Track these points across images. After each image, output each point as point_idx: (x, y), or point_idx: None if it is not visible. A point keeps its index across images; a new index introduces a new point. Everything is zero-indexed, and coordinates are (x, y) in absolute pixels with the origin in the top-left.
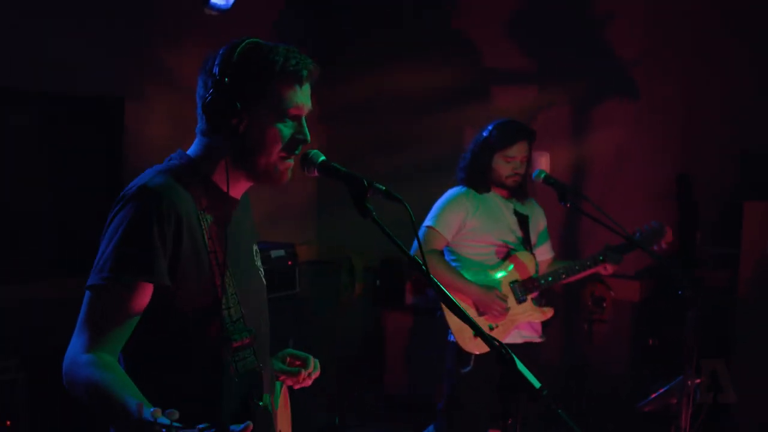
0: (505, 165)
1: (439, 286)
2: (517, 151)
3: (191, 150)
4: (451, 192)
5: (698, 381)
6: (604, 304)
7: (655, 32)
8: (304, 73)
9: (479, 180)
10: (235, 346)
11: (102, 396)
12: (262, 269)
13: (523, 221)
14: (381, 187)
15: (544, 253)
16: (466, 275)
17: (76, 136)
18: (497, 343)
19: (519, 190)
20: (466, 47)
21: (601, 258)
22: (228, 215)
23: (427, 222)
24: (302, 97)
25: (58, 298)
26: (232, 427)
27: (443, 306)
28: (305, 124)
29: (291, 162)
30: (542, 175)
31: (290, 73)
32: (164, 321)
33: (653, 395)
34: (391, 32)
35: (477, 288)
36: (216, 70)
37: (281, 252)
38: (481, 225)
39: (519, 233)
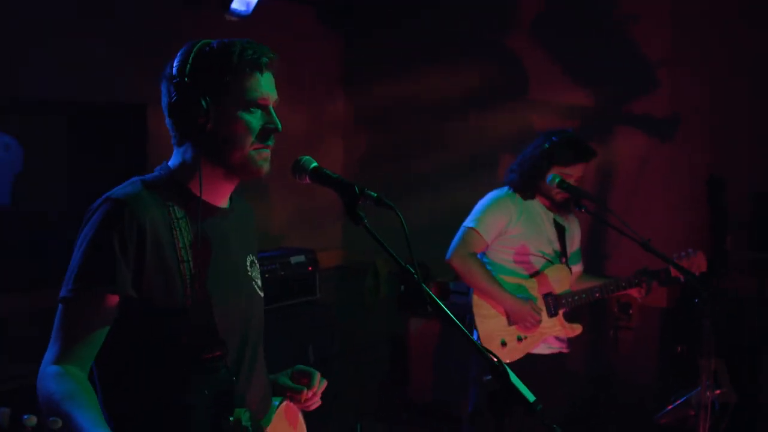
0: None
1: (431, 296)
2: (576, 170)
3: (171, 161)
4: (495, 194)
5: (717, 392)
6: (631, 311)
7: (681, 32)
8: (264, 60)
9: (528, 186)
10: (205, 357)
11: (57, 413)
12: (258, 280)
13: (561, 233)
14: (372, 194)
15: (577, 267)
16: (502, 283)
17: (99, 144)
18: (492, 356)
19: (563, 206)
20: (490, 50)
21: (637, 282)
22: (206, 222)
23: (469, 222)
24: (266, 86)
25: None
26: None
27: (474, 311)
28: (274, 113)
29: (267, 152)
30: (557, 180)
31: (249, 63)
32: (133, 331)
33: (670, 407)
34: (415, 36)
35: (513, 298)
36: (175, 71)
37: (301, 257)
38: (522, 233)
39: (556, 245)
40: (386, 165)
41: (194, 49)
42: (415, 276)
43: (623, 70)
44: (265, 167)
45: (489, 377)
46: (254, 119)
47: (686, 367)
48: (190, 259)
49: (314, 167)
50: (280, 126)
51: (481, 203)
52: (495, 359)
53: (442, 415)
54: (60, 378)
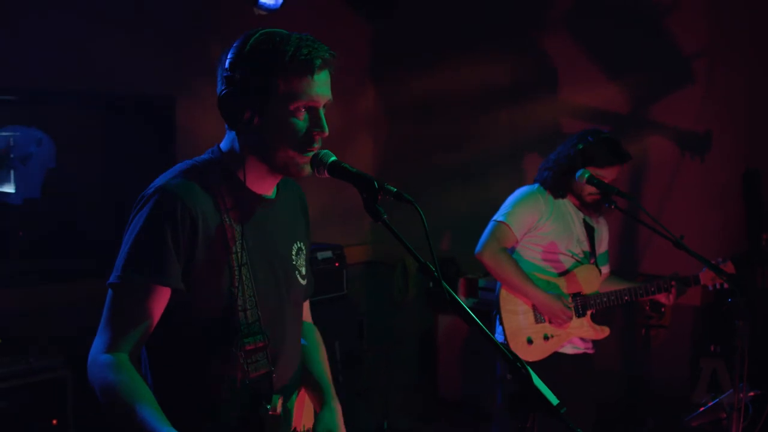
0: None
1: (451, 292)
2: (610, 173)
3: (222, 143)
4: (526, 189)
5: (751, 394)
6: (663, 309)
7: (717, 23)
8: (317, 62)
9: (560, 185)
10: (247, 349)
11: (118, 403)
12: (302, 269)
13: (590, 234)
14: (392, 188)
15: (604, 268)
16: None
17: (128, 136)
18: (513, 358)
19: (593, 206)
20: (523, 44)
21: (666, 287)
22: (253, 212)
23: (499, 217)
24: (317, 88)
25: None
26: None
27: (501, 306)
28: (323, 115)
29: (310, 155)
30: (586, 175)
31: (302, 64)
32: (181, 322)
33: (701, 409)
34: (448, 28)
35: (544, 294)
36: (227, 64)
37: (328, 253)
38: (552, 231)
39: (586, 245)
40: (416, 159)
41: (249, 43)
42: (435, 273)
43: (658, 63)
44: (307, 169)
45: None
46: (301, 121)
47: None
48: (238, 250)
49: (333, 161)
50: (327, 129)
51: (512, 198)
52: (517, 362)
53: (471, 411)
54: (115, 368)
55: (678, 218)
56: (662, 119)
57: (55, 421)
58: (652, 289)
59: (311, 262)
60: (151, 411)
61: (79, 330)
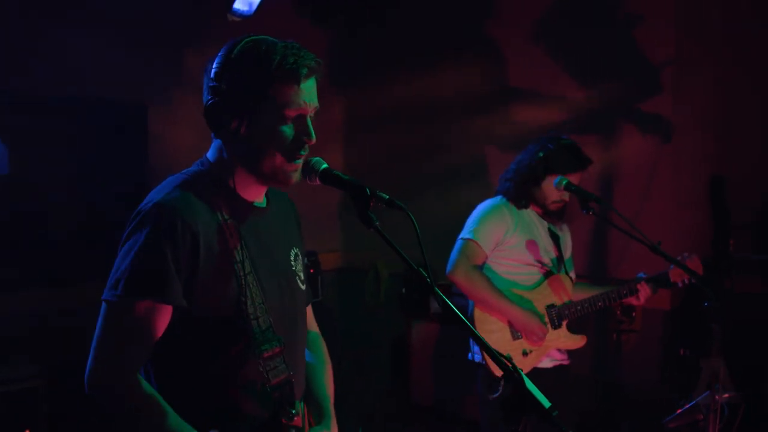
0: (555, 189)
1: (444, 299)
2: (573, 179)
3: (209, 153)
4: (489, 203)
5: (726, 396)
6: (634, 314)
7: (687, 32)
8: (303, 71)
9: (522, 195)
10: (265, 356)
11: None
12: (301, 274)
13: (556, 241)
14: (384, 195)
15: (571, 274)
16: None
17: (100, 143)
18: (506, 361)
19: (556, 215)
20: (492, 51)
21: (636, 289)
22: (249, 221)
23: (466, 234)
24: (304, 96)
25: (80, 306)
26: None
27: (477, 328)
28: (310, 123)
29: (298, 163)
30: (564, 182)
31: (288, 72)
32: (192, 336)
33: (679, 411)
34: (418, 37)
35: (520, 310)
36: (213, 74)
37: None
38: (519, 243)
39: (554, 253)
40: (386, 168)
41: (234, 51)
42: (428, 279)
43: (627, 71)
44: (294, 177)
45: (496, 394)
46: (289, 129)
47: (690, 369)
48: (242, 258)
49: (324, 168)
50: (314, 137)
51: (476, 213)
52: (510, 365)
53: (444, 415)
54: (145, 397)
55: (647, 224)
56: (632, 127)
57: (28, 431)
58: (624, 291)
59: None
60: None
61: (52, 339)
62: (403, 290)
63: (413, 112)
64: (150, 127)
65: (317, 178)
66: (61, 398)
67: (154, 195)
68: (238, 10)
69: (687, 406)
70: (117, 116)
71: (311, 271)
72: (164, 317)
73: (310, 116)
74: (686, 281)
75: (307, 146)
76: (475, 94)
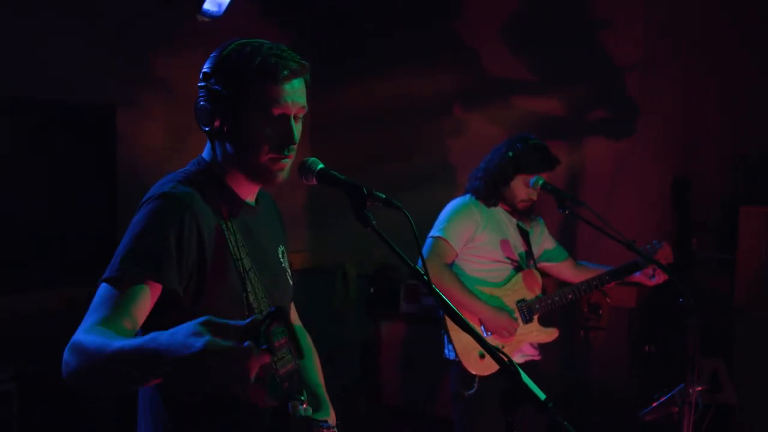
0: (524, 189)
1: (443, 299)
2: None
3: (205, 153)
4: (458, 202)
5: (700, 389)
6: (601, 311)
7: (653, 37)
8: (285, 72)
9: (491, 194)
10: (275, 345)
11: (101, 359)
12: (288, 271)
13: (525, 237)
14: (381, 195)
15: (565, 262)
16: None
17: (68, 144)
18: (502, 355)
19: (525, 213)
20: (462, 53)
21: (607, 278)
22: (245, 218)
23: (435, 233)
24: (287, 96)
25: (51, 308)
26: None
27: (448, 323)
28: (293, 124)
29: (284, 163)
30: (540, 182)
31: (268, 72)
32: None
33: (654, 404)
34: (386, 40)
35: (488, 308)
36: (201, 74)
37: None
38: (489, 240)
39: (522, 249)
40: (355, 170)
41: (223, 53)
42: (425, 277)
43: (594, 73)
44: (280, 176)
45: (471, 391)
46: (270, 129)
47: (655, 364)
48: (242, 256)
49: (321, 169)
50: (297, 137)
51: (445, 212)
52: (506, 359)
53: (413, 416)
54: (87, 333)
55: (613, 223)
56: (599, 129)
57: None
58: (594, 283)
59: None
60: (124, 341)
61: (23, 343)
62: (372, 290)
63: (380, 115)
64: (119, 128)
65: (314, 178)
66: (34, 403)
67: (159, 188)
68: (208, 10)
69: (662, 399)
70: (84, 117)
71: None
72: (151, 298)
73: (298, 117)
74: (654, 278)
75: (291, 147)
76: (443, 96)
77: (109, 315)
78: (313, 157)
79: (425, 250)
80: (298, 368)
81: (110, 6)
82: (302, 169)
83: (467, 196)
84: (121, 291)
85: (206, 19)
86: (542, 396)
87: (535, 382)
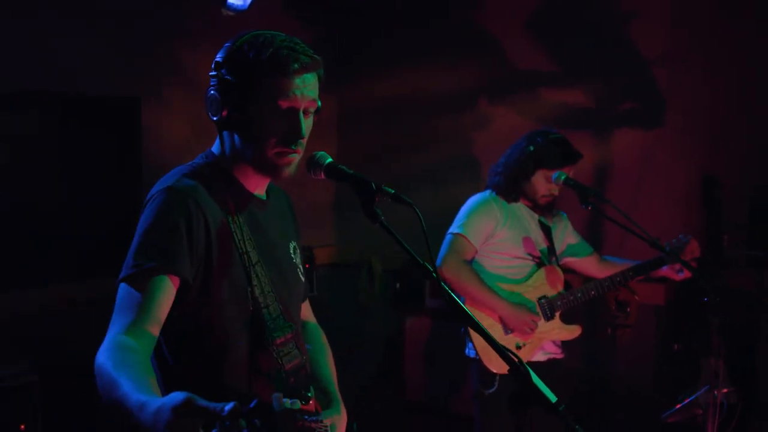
0: (545, 184)
1: (452, 296)
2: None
3: (214, 146)
4: (478, 197)
5: (725, 390)
6: (629, 309)
7: (679, 30)
8: (295, 65)
9: (512, 189)
10: (278, 342)
11: (109, 383)
12: (300, 267)
13: (547, 232)
14: (390, 190)
15: (590, 257)
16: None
17: (93, 138)
18: (512, 355)
19: (547, 208)
20: (485, 46)
21: (631, 274)
22: (253, 212)
23: (455, 229)
24: (296, 89)
25: (74, 302)
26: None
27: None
28: (302, 118)
29: (292, 157)
30: (562, 177)
31: (279, 65)
32: (205, 322)
33: (678, 405)
34: (409, 32)
35: (508, 304)
36: (214, 65)
37: None
38: (510, 236)
39: (544, 245)
40: (379, 162)
41: (236, 44)
42: (434, 274)
43: (620, 67)
44: (287, 171)
45: (492, 390)
46: (278, 122)
47: (684, 363)
48: (248, 250)
49: (329, 163)
50: (304, 132)
51: (465, 208)
52: (516, 359)
53: (438, 412)
54: (113, 349)
55: (640, 221)
56: (624, 125)
57: (23, 426)
58: (618, 279)
59: None
60: (133, 381)
61: (45, 335)
62: (397, 286)
63: (405, 107)
64: (144, 120)
65: (322, 173)
66: (56, 395)
67: (164, 182)
68: (233, 4)
69: (686, 401)
70: (110, 109)
71: (306, 266)
72: (170, 292)
73: (309, 111)
74: (682, 272)
75: (300, 141)
76: (467, 88)
77: (132, 320)
78: (322, 151)
79: (444, 246)
80: (306, 364)
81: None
82: (310, 163)
83: (487, 192)
84: (139, 289)
85: (231, 13)
86: (553, 398)
87: (557, 381)
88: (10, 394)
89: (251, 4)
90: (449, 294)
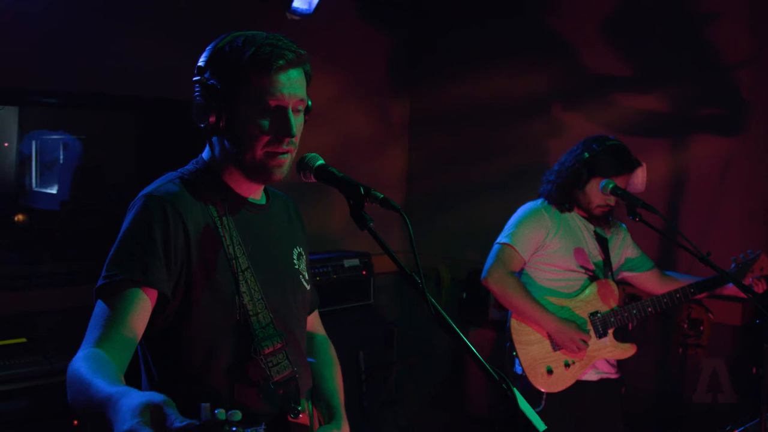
0: (600, 193)
1: (436, 306)
2: (620, 181)
3: (204, 152)
4: (529, 206)
5: None
6: (702, 328)
7: (762, 33)
8: (280, 62)
9: (565, 198)
10: (267, 352)
11: (81, 390)
12: (305, 273)
13: (603, 244)
14: (379, 195)
15: (650, 272)
16: (544, 305)
17: (164, 139)
18: (498, 378)
19: (602, 219)
20: (558, 50)
21: (692, 290)
22: (247, 217)
23: (503, 239)
24: (282, 87)
25: None
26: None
27: (513, 338)
28: (291, 116)
29: (283, 158)
30: (610, 186)
31: (262, 62)
32: (191, 331)
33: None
34: (480, 36)
35: (556, 319)
36: (196, 69)
37: (355, 261)
38: (562, 248)
39: (599, 258)
40: (449, 169)
41: (217, 46)
42: (420, 284)
43: (699, 72)
44: (278, 173)
45: (538, 409)
46: (266, 122)
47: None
48: (237, 255)
49: (320, 165)
50: (294, 131)
51: (515, 217)
52: (504, 384)
53: (497, 427)
54: (87, 358)
55: (715, 234)
56: (704, 131)
57: (76, 422)
58: (678, 295)
59: (338, 269)
60: (105, 379)
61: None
62: (464, 295)
63: (477, 112)
64: None
65: (312, 175)
66: None
67: (145, 190)
68: (298, 8)
69: (749, 424)
70: (180, 112)
71: (363, 273)
72: (145, 304)
73: (298, 110)
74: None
75: (291, 141)
76: (540, 94)
77: (104, 334)
78: (313, 153)
79: (490, 256)
80: (296, 375)
81: (200, 5)
82: (301, 165)
83: (539, 201)
84: (110, 302)
85: (296, 17)
86: (542, 427)
87: (611, 403)
88: (64, 388)
89: (316, 8)
90: (435, 307)
